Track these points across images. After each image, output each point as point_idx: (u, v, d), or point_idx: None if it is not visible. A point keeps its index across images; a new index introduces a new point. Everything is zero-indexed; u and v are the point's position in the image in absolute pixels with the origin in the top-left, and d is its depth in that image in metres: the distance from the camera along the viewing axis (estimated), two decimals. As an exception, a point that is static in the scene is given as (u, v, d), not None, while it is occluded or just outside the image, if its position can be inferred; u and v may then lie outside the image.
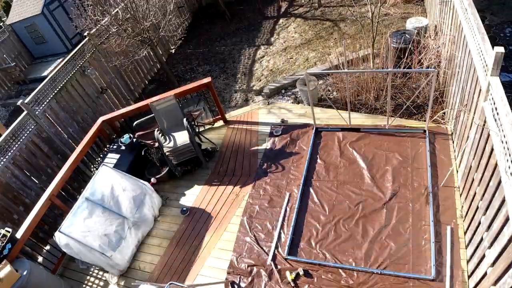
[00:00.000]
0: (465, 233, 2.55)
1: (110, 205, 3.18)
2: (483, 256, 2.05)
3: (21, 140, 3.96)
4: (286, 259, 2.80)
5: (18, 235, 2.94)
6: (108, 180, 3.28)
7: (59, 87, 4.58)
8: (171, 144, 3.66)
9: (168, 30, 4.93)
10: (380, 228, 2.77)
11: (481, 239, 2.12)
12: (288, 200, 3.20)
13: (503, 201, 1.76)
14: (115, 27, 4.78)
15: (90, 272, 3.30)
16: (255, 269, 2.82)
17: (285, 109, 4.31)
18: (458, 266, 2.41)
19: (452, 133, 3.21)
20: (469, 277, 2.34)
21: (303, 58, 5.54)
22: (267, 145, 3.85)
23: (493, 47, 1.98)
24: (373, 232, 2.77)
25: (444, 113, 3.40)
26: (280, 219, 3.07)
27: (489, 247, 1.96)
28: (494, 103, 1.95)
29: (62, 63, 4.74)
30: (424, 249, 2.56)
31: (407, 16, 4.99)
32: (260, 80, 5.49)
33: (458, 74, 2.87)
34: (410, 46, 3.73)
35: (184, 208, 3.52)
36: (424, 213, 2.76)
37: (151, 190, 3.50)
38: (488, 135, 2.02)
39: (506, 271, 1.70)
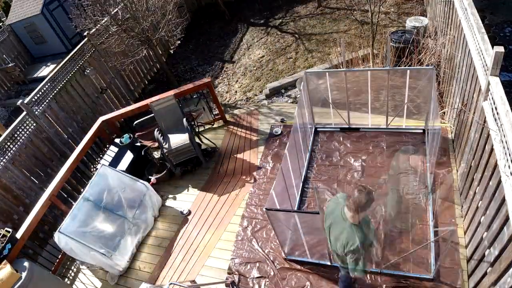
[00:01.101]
0: (465, 232, 2.56)
1: (109, 205, 3.18)
2: (483, 256, 2.05)
3: (20, 140, 3.96)
4: (285, 259, 2.80)
5: (18, 235, 2.94)
6: (108, 180, 3.28)
7: (59, 87, 4.58)
8: (171, 144, 3.66)
9: (167, 30, 4.93)
10: (379, 228, 2.77)
11: (481, 239, 2.12)
12: (288, 199, 3.20)
13: (503, 200, 1.76)
14: (115, 27, 4.78)
15: (90, 272, 3.31)
16: (255, 269, 2.83)
17: (285, 109, 4.31)
18: (458, 266, 2.41)
19: (452, 132, 3.22)
20: (469, 276, 2.34)
21: (303, 57, 5.54)
22: (266, 145, 3.85)
23: (492, 47, 1.98)
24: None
25: (444, 112, 3.40)
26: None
27: (489, 246, 1.96)
28: (494, 103, 1.95)
29: (62, 63, 4.74)
30: (424, 248, 2.56)
31: (407, 16, 4.99)
32: (260, 80, 5.49)
33: (458, 74, 2.87)
34: (410, 46, 3.73)
35: (184, 208, 3.53)
36: (424, 213, 2.77)
37: (151, 190, 3.50)
38: (488, 134, 2.02)
39: (506, 270, 1.70)
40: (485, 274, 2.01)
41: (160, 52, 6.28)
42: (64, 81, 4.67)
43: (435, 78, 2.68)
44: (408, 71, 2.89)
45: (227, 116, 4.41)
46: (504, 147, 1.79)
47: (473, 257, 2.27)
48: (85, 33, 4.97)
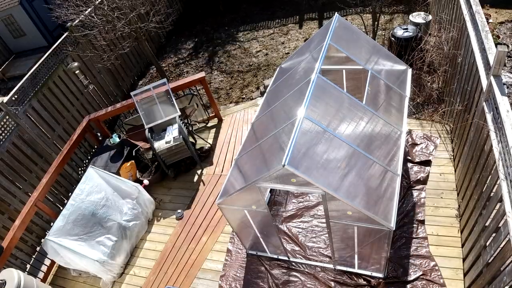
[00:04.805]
0: (461, 231, 2.65)
1: (99, 209, 3.17)
2: (479, 255, 2.13)
3: (1, 143, 3.88)
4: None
5: (4, 244, 2.93)
6: (97, 183, 3.27)
7: (40, 84, 4.48)
8: (163, 143, 3.65)
9: (157, 21, 4.83)
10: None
11: (477, 238, 2.20)
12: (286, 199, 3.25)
13: (500, 200, 1.82)
14: (100, 17, 4.66)
15: (83, 280, 3.31)
16: (251, 271, 2.88)
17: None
18: (454, 264, 2.50)
19: (451, 132, 3.29)
20: (464, 275, 2.43)
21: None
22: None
23: (496, 46, 2.02)
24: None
25: (444, 112, 3.47)
26: (277, 220, 3.13)
27: (485, 246, 2.03)
28: (495, 103, 2.00)
29: (43, 58, 4.61)
30: (419, 246, 2.65)
31: (410, 11, 4.97)
32: (257, 76, 5.47)
33: (460, 73, 2.92)
34: (412, 43, 3.75)
35: (179, 211, 3.54)
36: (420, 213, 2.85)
37: (143, 193, 3.49)
38: (487, 134, 2.08)
39: (501, 269, 1.77)
40: (480, 273, 2.09)
41: (150, 46, 6.17)
42: (46, 77, 4.56)
43: (410, 78, 2.73)
44: (383, 70, 2.89)
45: (222, 114, 4.40)
46: (503, 147, 1.84)
47: (469, 255, 2.36)
48: (68, 25, 4.84)
